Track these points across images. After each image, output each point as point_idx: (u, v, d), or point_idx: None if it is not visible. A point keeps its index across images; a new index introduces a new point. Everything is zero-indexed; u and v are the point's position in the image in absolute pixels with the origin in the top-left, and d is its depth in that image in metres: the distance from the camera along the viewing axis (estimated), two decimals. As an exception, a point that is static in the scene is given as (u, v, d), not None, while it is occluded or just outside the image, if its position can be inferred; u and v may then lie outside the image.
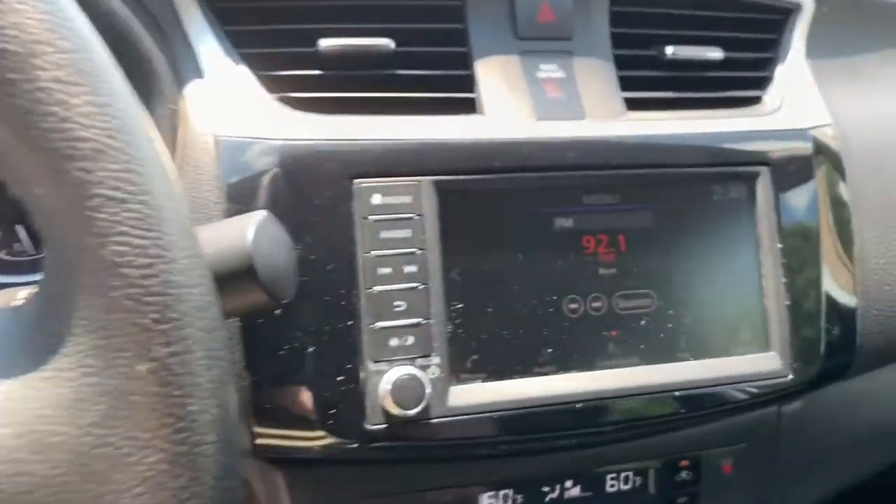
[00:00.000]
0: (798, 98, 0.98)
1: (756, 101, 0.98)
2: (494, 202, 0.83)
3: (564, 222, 0.85)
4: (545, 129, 0.85)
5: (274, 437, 0.78)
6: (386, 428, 0.77)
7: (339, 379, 0.77)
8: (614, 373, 0.84)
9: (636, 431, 0.89)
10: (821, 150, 0.95)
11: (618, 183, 0.87)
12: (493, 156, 0.82)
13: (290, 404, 0.77)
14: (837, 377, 0.95)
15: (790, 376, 0.89)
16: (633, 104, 0.91)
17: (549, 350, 0.83)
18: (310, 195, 0.77)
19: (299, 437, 0.78)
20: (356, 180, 0.78)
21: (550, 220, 0.85)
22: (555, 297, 0.84)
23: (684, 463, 0.94)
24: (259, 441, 0.78)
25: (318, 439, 0.78)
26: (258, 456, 0.79)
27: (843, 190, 0.95)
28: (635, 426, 0.87)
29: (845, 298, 0.94)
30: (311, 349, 0.76)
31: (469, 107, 0.86)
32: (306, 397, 0.77)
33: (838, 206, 0.95)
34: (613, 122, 0.89)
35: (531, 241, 0.84)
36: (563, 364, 0.83)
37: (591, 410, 0.83)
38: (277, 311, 0.75)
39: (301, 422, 0.77)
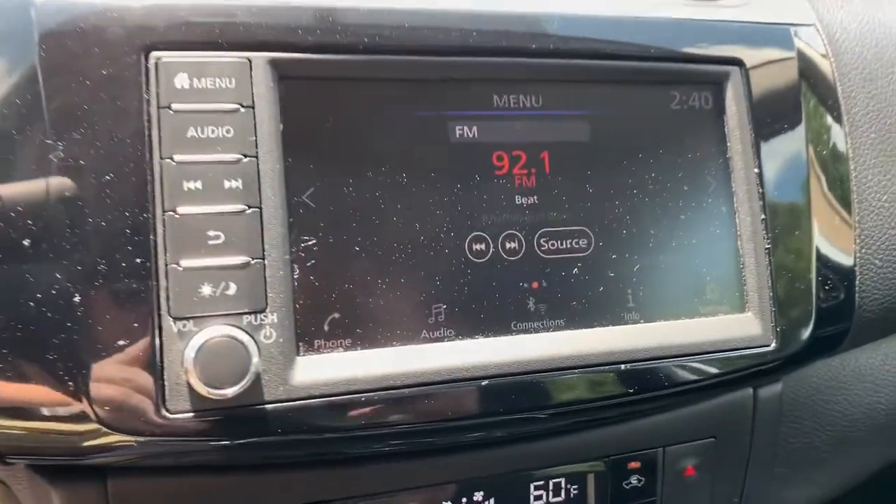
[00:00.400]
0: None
1: (724, -9, 0.75)
2: (364, 96, 0.58)
3: (466, 131, 0.61)
4: None
5: (21, 432, 0.52)
6: (193, 417, 0.52)
7: (119, 343, 0.51)
8: (535, 339, 0.61)
9: (568, 421, 0.65)
10: (805, 53, 0.72)
11: (540, 78, 0.63)
12: (360, 27, 0.57)
13: (47, 384, 0.51)
14: (831, 348, 0.73)
15: (772, 345, 0.66)
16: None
17: (444, 307, 0.59)
18: (81, 71, 0.52)
19: (63, 432, 0.52)
20: (153, 53, 0.53)
21: (445, 128, 0.61)
22: (452, 235, 0.60)
23: (634, 465, 0.71)
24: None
25: (89, 436, 0.52)
26: (5, 461, 0.54)
27: (833, 105, 0.73)
28: (566, 413, 0.62)
29: (840, 245, 0.72)
30: (76, 299, 0.51)
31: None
32: (71, 372, 0.51)
33: (828, 124, 0.73)
34: (535, -3, 0.65)
35: (419, 155, 0.60)
36: (464, 326, 0.59)
37: (502, 391, 0.59)
38: (26, 243, 0.50)
39: (65, 411, 0.51)
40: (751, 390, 0.75)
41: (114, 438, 0.52)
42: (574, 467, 0.70)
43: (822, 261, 0.70)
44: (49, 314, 0.51)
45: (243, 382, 0.51)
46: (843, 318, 0.73)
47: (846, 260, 0.72)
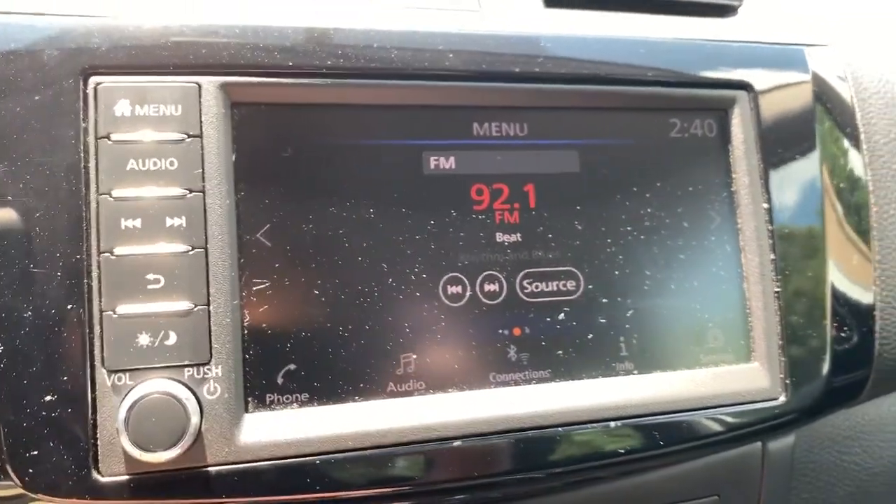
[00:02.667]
0: (786, 11, 0.70)
1: (730, 10, 0.69)
2: (326, 124, 0.53)
3: (442, 162, 0.56)
4: (412, 18, 0.56)
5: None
6: (127, 480, 0.46)
7: (47, 399, 0.46)
8: (516, 392, 0.55)
9: (553, 483, 0.59)
10: (820, 76, 0.66)
11: (525, 105, 0.58)
12: (322, 48, 0.52)
13: (-35, 442, 0.46)
14: (848, 399, 0.66)
15: (781, 398, 0.60)
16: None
17: (413, 356, 0.53)
18: (12, 96, 0.47)
19: (-16, 496, 0.47)
20: (92, 77, 0.48)
21: (419, 158, 0.55)
22: (425, 276, 0.54)
23: (630, 526, 0.64)
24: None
25: (11, 501, 0.47)
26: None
27: (852, 132, 0.67)
28: (551, 475, 0.56)
29: (859, 285, 0.65)
30: (0, 349, 0.45)
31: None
32: (-9, 430, 0.46)
33: (845, 152, 0.66)
34: (521, 16, 0.59)
35: (388, 189, 0.54)
36: (436, 378, 0.54)
37: (479, 452, 0.53)
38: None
39: (-15, 471, 0.46)
40: (759, 443, 0.69)
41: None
42: (563, 528, 0.64)
43: (839, 303, 0.64)
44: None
45: (179, 445, 0.46)
46: (861, 366, 0.66)
47: (865, 301, 0.66)
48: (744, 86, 0.63)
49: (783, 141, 0.63)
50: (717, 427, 0.59)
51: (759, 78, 0.63)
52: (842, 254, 0.64)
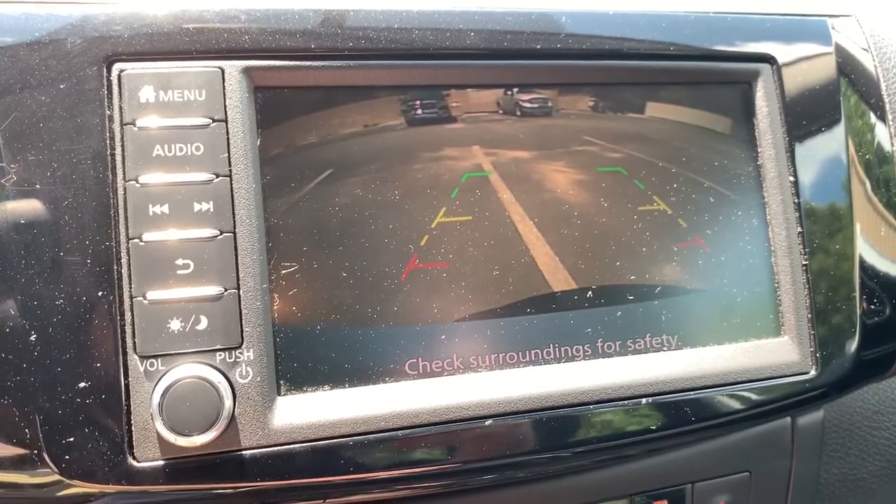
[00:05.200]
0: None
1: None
2: (351, 106, 0.53)
3: (465, 133, 0.55)
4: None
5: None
6: (163, 465, 0.47)
7: (81, 386, 0.46)
8: (547, 371, 0.55)
9: (583, 461, 0.59)
10: (843, 47, 0.65)
11: (548, 82, 0.57)
12: (344, 30, 0.52)
13: (2, 432, 0.46)
14: (879, 373, 0.66)
15: (811, 372, 0.59)
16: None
17: (443, 337, 0.53)
18: (37, 86, 0.47)
19: (22, 484, 0.47)
20: (116, 64, 0.48)
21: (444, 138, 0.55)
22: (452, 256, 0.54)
23: (660, 503, 0.64)
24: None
25: (50, 488, 0.47)
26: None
27: (876, 103, 0.66)
28: (583, 453, 0.56)
29: (888, 256, 0.64)
30: (32, 337, 0.46)
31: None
32: (27, 418, 0.46)
33: (871, 124, 0.65)
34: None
35: (413, 170, 0.54)
36: (469, 355, 0.53)
37: (511, 431, 0.53)
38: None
39: (22, 460, 0.47)
40: (789, 419, 0.68)
41: (76, 490, 0.47)
42: (594, 507, 0.64)
43: (867, 275, 0.63)
44: (1, 354, 0.46)
45: (214, 428, 0.46)
46: (891, 339, 0.66)
47: (894, 274, 0.65)
48: (767, 58, 0.62)
49: (808, 113, 0.62)
50: (747, 402, 0.59)
51: (782, 50, 0.62)
52: (870, 226, 0.64)
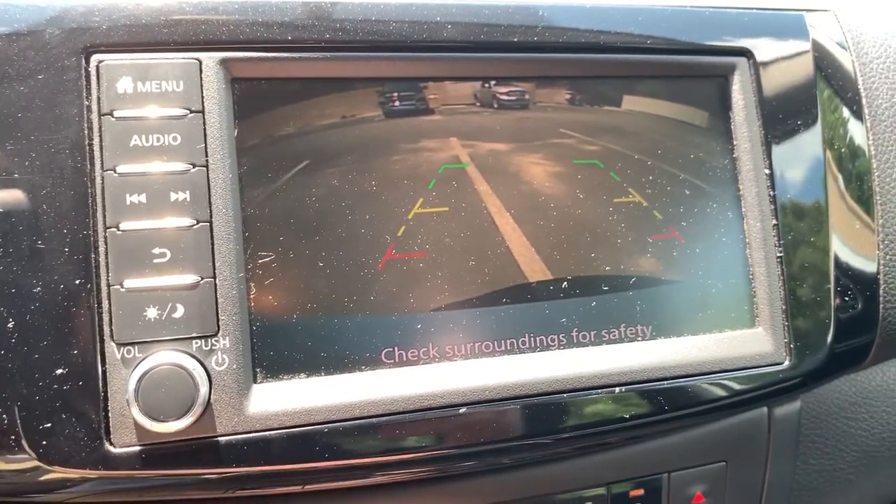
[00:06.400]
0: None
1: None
2: (327, 98, 0.53)
3: (443, 125, 0.56)
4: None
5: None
6: (140, 450, 0.47)
7: (58, 372, 0.47)
8: (523, 359, 0.55)
9: (561, 449, 0.59)
10: (820, 42, 0.66)
11: (524, 75, 0.58)
12: (321, 22, 0.52)
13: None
14: (853, 364, 0.66)
15: (785, 362, 0.60)
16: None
17: (419, 326, 0.54)
18: (15, 76, 0.47)
19: (1, 470, 0.48)
20: (94, 55, 0.49)
21: (421, 129, 0.55)
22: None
23: (637, 492, 0.65)
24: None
25: (29, 473, 0.48)
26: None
27: (853, 98, 0.67)
28: (558, 441, 0.57)
29: (862, 250, 0.65)
30: (10, 324, 0.46)
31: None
32: (5, 404, 0.47)
33: (847, 119, 0.66)
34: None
35: (390, 161, 0.54)
36: (443, 347, 0.54)
37: (487, 418, 0.54)
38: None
39: (1, 447, 0.47)
40: (765, 409, 0.69)
41: (55, 476, 0.48)
42: (571, 495, 0.64)
43: (841, 268, 0.64)
44: (-20, 342, 0.47)
45: (189, 414, 0.47)
46: (865, 331, 0.66)
47: (868, 266, 0.66)
48: (743, 52, 0.63)
49: (784, 107, 0.63)
50: (722, 392, 0.60)
51: (758, 44, 0.63)
52: (844, 219, 0.65)
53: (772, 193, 0.61)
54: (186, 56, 0.50)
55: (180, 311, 0.48)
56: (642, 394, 0.57)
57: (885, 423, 0.79)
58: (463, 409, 0.53)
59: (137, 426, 0.47)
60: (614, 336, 0.58)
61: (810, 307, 0.62)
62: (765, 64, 0.63)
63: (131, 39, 0.49)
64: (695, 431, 0.67)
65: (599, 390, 0.56)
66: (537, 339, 0.56)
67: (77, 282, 0.48)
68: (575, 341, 0.57)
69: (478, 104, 0.57)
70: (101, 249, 0.48)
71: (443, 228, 0.55)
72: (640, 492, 0.66)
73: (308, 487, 0.55)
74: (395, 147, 0.55)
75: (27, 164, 0.47)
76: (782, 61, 0.64)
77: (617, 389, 0.56)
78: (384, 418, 0.51)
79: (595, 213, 0.58)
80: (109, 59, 0.49)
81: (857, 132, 0.67)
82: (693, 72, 0.62)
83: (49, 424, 0.47)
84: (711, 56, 0.62)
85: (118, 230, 0.48)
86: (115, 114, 0.49)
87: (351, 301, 0.53)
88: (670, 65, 0.61)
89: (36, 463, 0.47)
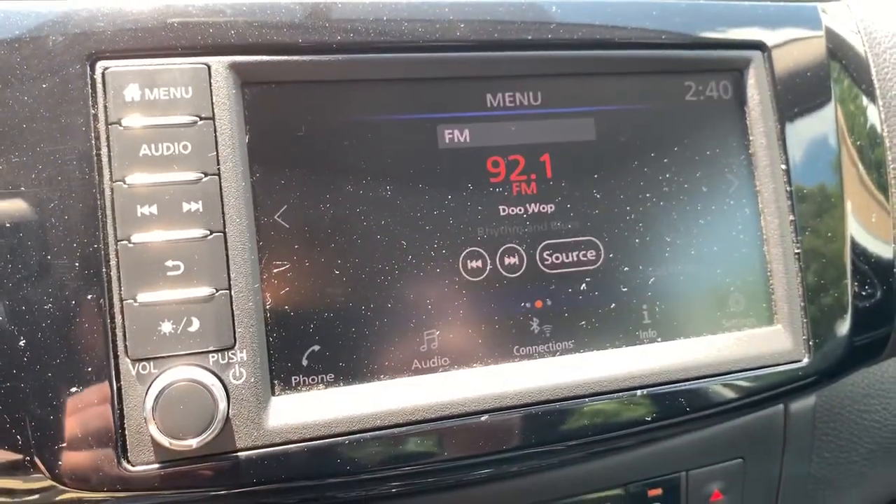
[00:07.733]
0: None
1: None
2: (339, 101, 0.52)
3: (456, 135, 0.55)
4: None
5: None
6: (157, 469, 0.46)
7: (72, 390, 0.46)
8: (540, 365, 0.55)
9: (577, 454, 0.59)
10: (834, 31, 0.65)
11: (539, 73, 0.57)
12: (332, 23, 0.51)
13: (-8, 437, 0.46)
14: (871, 357, 0.66)
15: (805, 360, 0.60)
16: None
17: (437, 333, 0.53)
18: (19, 85, 0.46)
19: (16, 490, 0.47)
20: (100, 62, 0.47)
21: (434, 132, 0.55)
22: (444, 252, 0.54)
23: (655, 491, 0.65)
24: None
25: (44, 494, 0.46)
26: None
27: (867, 87, 0.66)
28: (577, 446, 0.56)
29: (879, 244, 0.65)
30: (21, 342, 0.45)
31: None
32: (18, 424, 0.45)
33: (862, 108, 0.65)
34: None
35: (404, 164, 0.53)
36: (460, 354, 0.53)
37: (505, 426, 0.53)
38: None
39: (16, 467, 0.46)
40: (781, 405, 0.69)
41: (71, 496, 0.47)
42: (590, 497, 0.64)
43: (859, 261, 0.63)
44: (-8, 361, 0.45)
45: (209, 431, 0.46)
46: (883, 323, 0.66)
47: (886, 258, 0.65)
48: (758, 45, 0.62)
49: (799, 100, 0.62)
50: (741, 392, 0.59)
51: (772, 37, 0.62)
52: (861, 211, 0.64)
53: (788, 189, 0.61)
54: (195, 61, 0.49)
55: (196, 325, 0.47)
56: (664, 396, 0.56)
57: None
58: (484, 417, 0.52)
59: (155, 444, 0.46)
60: (634, 338, 0.57)
61: (828, 303, 0.61)
62: (779, 56, 0.62)
63: (137, 45, 0.48)
64: (712, 429, 0.66)
65: (619, 394, 0.55)
66: (557, 344, 0.55)
67: (89, 297, 0.46)
68: (594, 344, 0.56)
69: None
70: (113, 263, 0.47)
71: (459, 232, 0.54)
72: (658, 491, 0.65)
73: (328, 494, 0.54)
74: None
75: (33, 176, 0.46)
76: (797, 53, 0.63)
77: (638, 392, 0.56)
78: (405, 428, 0.50)
79: (611, 213, 0.57)
80: (115, 65, 0.48)
81: (873, 121, 0.66)
82: (708, 66, 0.61)
83: (63, 444, 0.46)
84: (726, 50, 0.61)
85: (129, 243, 0.47)
86: (123, 122, 0.47)
87: (368, 310, 0.51)
88: (685, 60, 0.60)
89: (51, 483, 0.46)
